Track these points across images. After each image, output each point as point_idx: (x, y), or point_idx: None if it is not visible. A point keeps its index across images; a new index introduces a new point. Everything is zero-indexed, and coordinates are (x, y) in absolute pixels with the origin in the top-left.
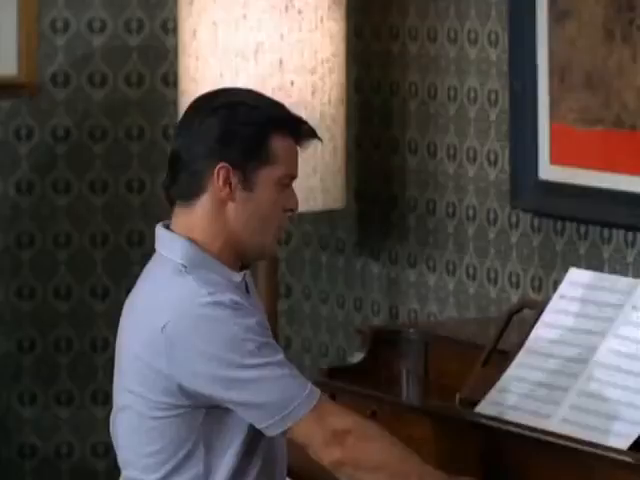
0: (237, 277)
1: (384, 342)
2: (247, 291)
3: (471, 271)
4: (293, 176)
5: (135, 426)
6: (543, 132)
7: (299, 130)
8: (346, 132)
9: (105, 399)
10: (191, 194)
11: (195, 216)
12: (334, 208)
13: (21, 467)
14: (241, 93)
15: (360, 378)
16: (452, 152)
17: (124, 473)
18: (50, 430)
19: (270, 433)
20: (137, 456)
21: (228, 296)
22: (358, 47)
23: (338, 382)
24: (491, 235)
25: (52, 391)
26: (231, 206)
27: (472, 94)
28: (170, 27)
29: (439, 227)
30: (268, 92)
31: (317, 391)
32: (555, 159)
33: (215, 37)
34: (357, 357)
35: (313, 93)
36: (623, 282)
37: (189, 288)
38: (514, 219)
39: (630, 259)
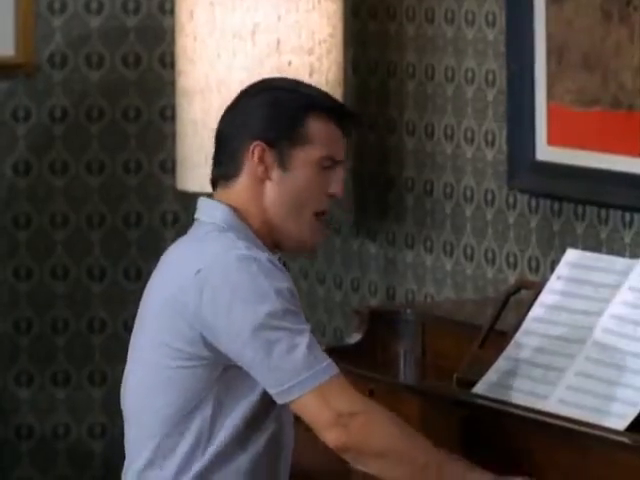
0: (273, 255)
1: (381, 323)
2: None
3: (468, 252)
4: (334, 159)
5: (151, 379)
6: (540, 113)
7: (338, 113)
8: None
9: (102, 380)
10: (231, 174)
11: (236, 195)
12: None
13: (18, 448)
14: (283, 80)
15: (357, 359)
16: (449, 133)
17: (128, 434)
18: (47, 411)
19: (279, 400)
20: (145, 411)
21: (265, 255)
22: (355, 27)
23: (335, 362)
24: (488, 216)
25: (49, 372)
26: (268, 185)
27: (469, 75)
28: (167, 8)
29: (436, 208)
30: (265, 73)
31: (333, 369)
32: (552, 140)
33: (212, 18)
34: (354, 338)
35: (310, 74)
36: (620, 263)
37: (227, 241)
38: (511, 200)
39: (627, 240)
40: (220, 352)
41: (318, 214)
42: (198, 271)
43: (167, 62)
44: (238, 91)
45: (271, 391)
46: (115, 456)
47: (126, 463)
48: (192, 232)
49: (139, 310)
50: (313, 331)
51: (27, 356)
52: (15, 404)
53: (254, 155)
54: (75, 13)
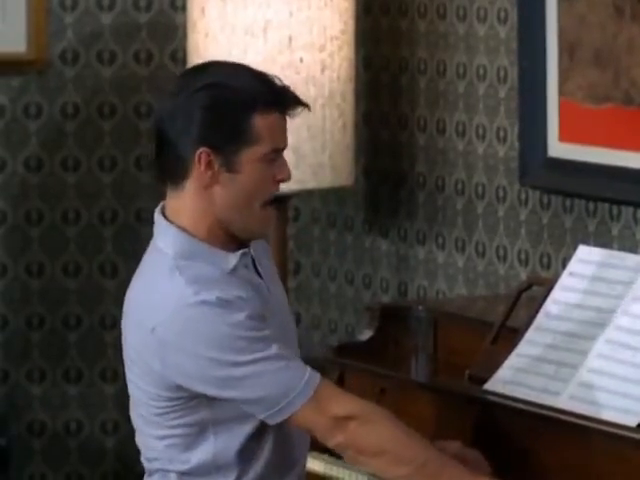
0: (232, 260)
1: (393, 319)
2: (255, 268)
3: (480, 248)
4: (279, 149)
5: (145, 414)
6: (552, 109)
7: (283, 103)
8: (355, 109)
9: (114, 376)
10: (177, 178)
11: (182, 201)
12: (343, 185)
13: (30, 444)
14: (221, 71)
15: (369, 355)
16: (461, 129)
17: (144, 453)
18: (59, 407)
19: (271, 422)
20: (152, 439)
21: (215, 294)
22: (367, 24)
23: (347, 359)
24: (500, 212)
25: (61, 368)
26: (217, 189)
27: (481, 71)
28: (179, 4)
29: (448, 204)
30: (277, 69)
31: (316, 378)
32: (564, 136)
33: (224, 14)
34: (366, 334)
35: (322, 70)
36: (632, 259)
37: (177, 288)
38: (523, 196)
39: (639, 236)
40: (199, 393)
41: (266, 202)
42: (153, 329)
43: (179, 59)
44: None
45: (260, 417)
46: (127, 452)
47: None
48: (148, 263)
49: (122, 344)
50: (280, 341)
51: (39, 352)
52: (27, 400)
53: (200, 162)
54: (87, 10)
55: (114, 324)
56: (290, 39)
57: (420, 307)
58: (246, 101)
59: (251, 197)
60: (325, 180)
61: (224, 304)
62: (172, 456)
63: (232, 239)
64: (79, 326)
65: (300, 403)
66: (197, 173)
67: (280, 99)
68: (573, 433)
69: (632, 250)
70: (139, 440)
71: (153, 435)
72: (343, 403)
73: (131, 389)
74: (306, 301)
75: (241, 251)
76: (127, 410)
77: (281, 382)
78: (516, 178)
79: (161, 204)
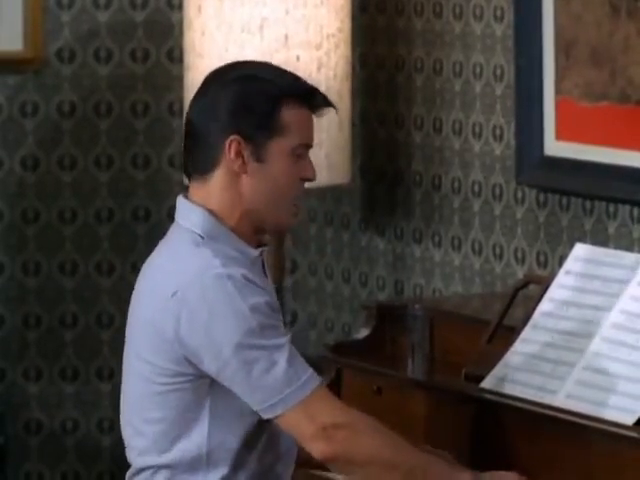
0: (254, 252)
1: (389, 318)
2: (263, 270)
3: (477, 247)
4: (308, 145)
5: (142, 392)
6: (548, 108)
7: (312, 99)
8: (351, 107)
9: (110, 375)
10: (206, 168)
11: (211, 189)
12: (339, 183)
13: (26, 442)
14: (253, 66)
15: (365, 354)
16: (458, 127)
17: (130, 442)
18: (55, 406)
19: (264, 416)
20: (143, 423)
21: (241, 271)
22: (363, 22)
23: (343, 358)
24: (496, 211)
25: (57, 367)
26: (245, 179)
27: (478, 69)
28: (175, 2)
29: (444, 203)
30: None
31: (315, 381)
32: (560, 135)
33: (221, 12)
34: (362, 333)
35: (319, 68)
36: (628, 258)
37: (203, 258)
38: (520, 195)
39: (636, 235)
40: (202, 370)
41: (294, 200)
42: (174, 293)
43: (175, 57)
44: None
45: (255, 408)
46: (123, 451)
47: (131, 471)
48: (170, 238)
49: (128, 320)
50: (293, 340)
51: (36, 351)
52: (24, 399)
53: (231, 150)
54: (83, 8)
55: (110, 323)
56: (286, 37)
57: (417, 305)
58: (276, 92)
59: (278, 190)
60: (322, 178)
61: (247, 283)
62: (162, 445)
63: (255, 234)
64: (75, 325)
65: (293, 402)
66: (226, 162)
67: (309, 96)
68: (570, 431)
69: (629, 248)
70: (128, 431)
71: (148, 419)
72: (333, 411)
73: (131, 367)
74: (303, 299)
75: (260, 249)
76: None
77: (280, 375)
78: (512, 176)
79: (180, 195)
